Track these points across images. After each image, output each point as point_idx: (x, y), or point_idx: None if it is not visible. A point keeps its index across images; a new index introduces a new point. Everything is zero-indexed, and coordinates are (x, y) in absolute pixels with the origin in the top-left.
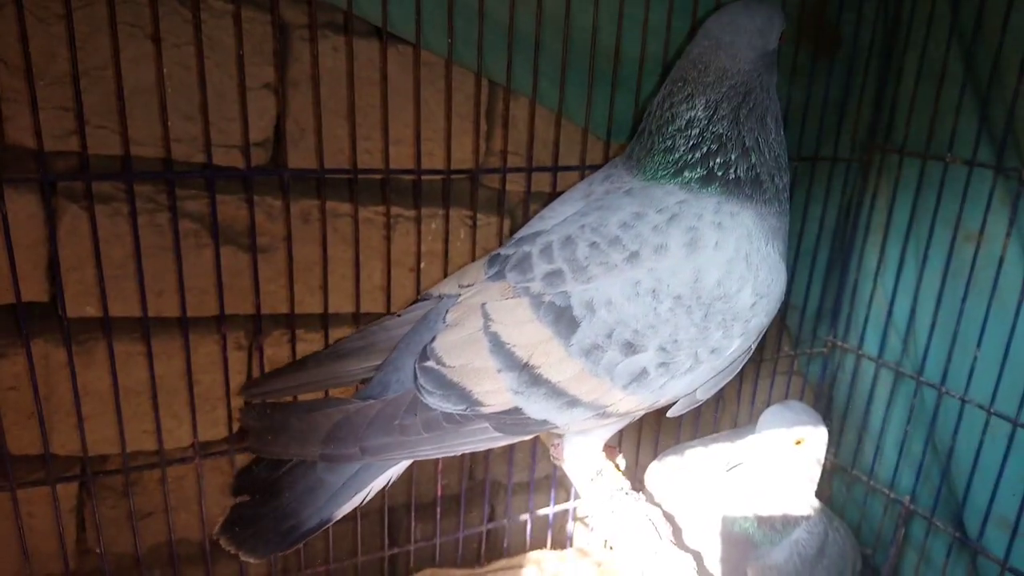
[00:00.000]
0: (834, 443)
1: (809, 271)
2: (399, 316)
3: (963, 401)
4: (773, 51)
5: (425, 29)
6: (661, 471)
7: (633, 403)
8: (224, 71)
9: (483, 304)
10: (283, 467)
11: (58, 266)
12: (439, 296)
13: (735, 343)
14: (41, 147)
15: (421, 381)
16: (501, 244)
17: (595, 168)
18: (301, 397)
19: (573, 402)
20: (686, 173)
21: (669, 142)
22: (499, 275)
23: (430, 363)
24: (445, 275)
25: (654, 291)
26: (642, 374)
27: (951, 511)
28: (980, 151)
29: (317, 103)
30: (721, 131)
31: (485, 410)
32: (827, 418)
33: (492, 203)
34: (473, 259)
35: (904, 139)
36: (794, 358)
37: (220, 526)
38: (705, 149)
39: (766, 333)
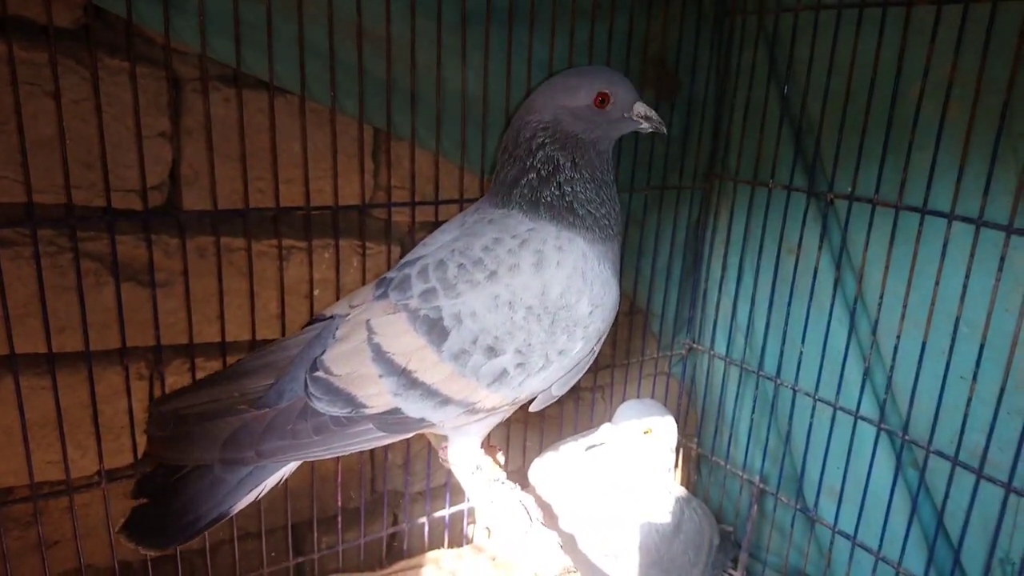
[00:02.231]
0: (696, 433)
1: (665, 283)
2: (295, 337)
3: (794, 390)
4: (586, 107)
5: (309, 82)
6: (542, 466)
7: (497, 399)
8: (121, 123)
9: (368, 320)
10: (181, 471)
11: None
12: (331, 316)
13: (578, 345)
14: None
15: (311, 389)
16: (389, 269)
17: (473, 200)
18: None
19: (445, 401)
20: (527, 205)
21: (511, 180)
22: (383, 295)
23: (319, 373)
24: (337, 300)
25: (510, 303)
26: (503, 374)
27: (793, 486)
28: (795, 177)
29: (210, 148)
30: (543, 173)
31: (369, 411)
32: (689, 411)
33: (380, 233)
34: (364, 284)
35: (736, 168)
36: (658, 360)
37: (122, 525)
38: (535, 187)
39: (637, 339)
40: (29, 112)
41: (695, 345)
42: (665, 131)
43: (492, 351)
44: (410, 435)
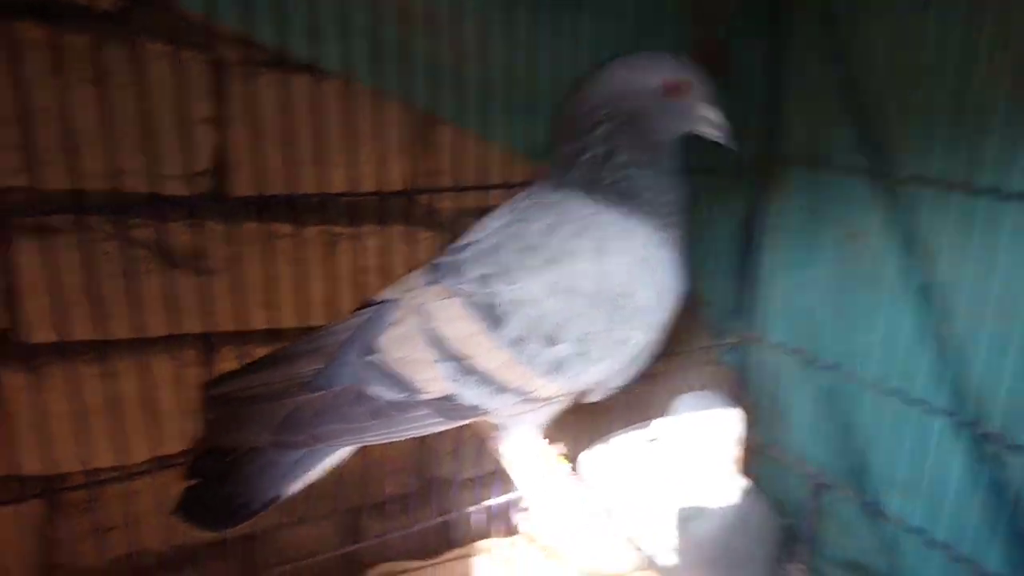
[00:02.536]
0: (753, 424)
1: (720, 271)
2: (345, 321)
3: (857, 381)
4: (652, 91)
5: (354, 63)
6: (594, 458)
7: (554, 389)
8: (166, 108)
9: (422, 304)
10: (234, 453)
11: (15, 296)
12: (382, 301)
13: (640, 335)
14: None
15: (367, 372)
16: (437, 255)
17: (522, 184)
18: None
19: (501, 388)
20: (586, 186)
21: (569, 156)
22: (436, 280)
23: (374, 356)
24: (386, 286)
25: (569, 290)
26: (560, 363)
27: (855, 480)
28: (857, 159)
29: (255, 133)
30: (603, 151)
31: (425, 397)
32: (745, 402)
33: (428, 219)
34: (411, 271)
35: (793, 150)
36: (711, 350)
37: (176, 506)
38: (595, 166)
39: (687, 328)
40: (74, 98)
41: (749, 334)
42: (733, 146)
43: (550, 339)
44: (466, 422)
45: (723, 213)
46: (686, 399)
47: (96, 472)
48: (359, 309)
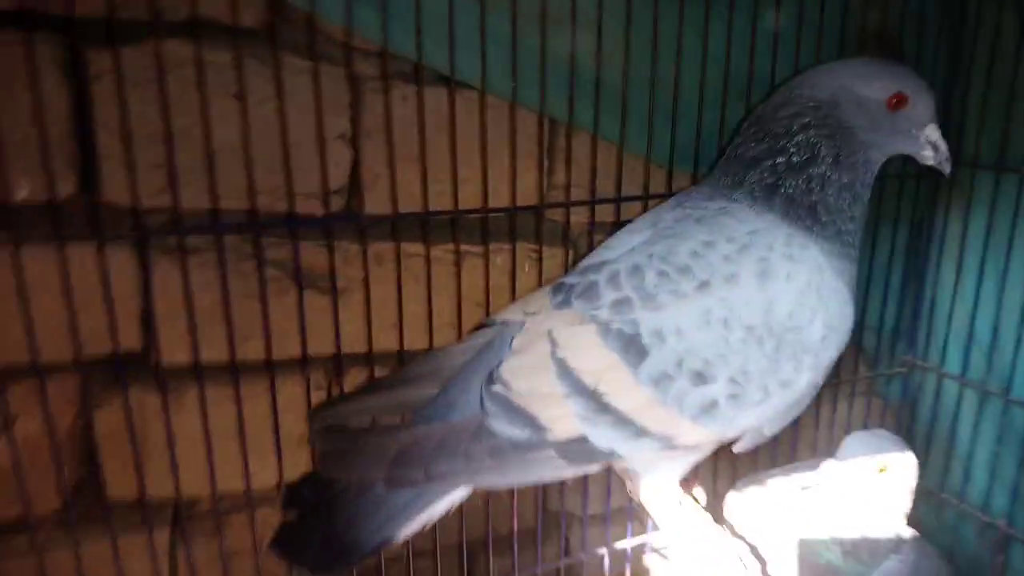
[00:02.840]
0: (920, 466)
1: (883, 290)
2: (464, 343)
3: None
4: (876, 101)
5: (489, 74)
6: (741, 501)
7: (701, 435)
8: (303, 124)
9: (550, 330)
10: (338, 486)
11: (152, 317)
12: (503, 323)
13: (805, 376)
14: (136, 205)
15: (488, 405)
16: (567, 274)
17: (658, 197)
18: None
19: (640, 432)
20: (759, 192)
21: (751, 158)
22: (565, 303)
23: (497, 387)
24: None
25: (725, 320)
26: (712, 405)
27: None
28: None
29: (390, 149)
30: (796, 159)
31: (551, 436)
32: (910, 440)
33: (556, 236)
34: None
35: (976, 152)
36: (872, 380)
37: (272, 540)
38: (779, 173)
39: (841, 357)
40: (215, 115)
41: (919, 362)
42: (949, 169)
43: (700, 377)
44: (595, 468)
45: (890, 222)
46: (856, 439)
47: (222, 497)
48: (478, 329)
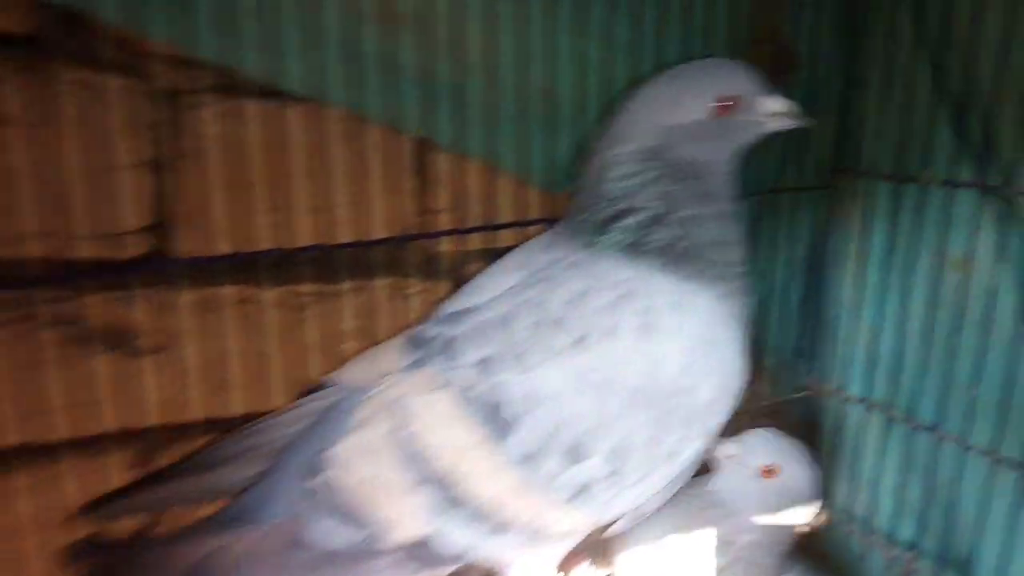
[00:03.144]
0: (824, 490)
1: (782, 308)
2: (293, 411)
3: (963, 446)
4: (703, 121)
5: (326, 82)
6: (637, 561)
7: (575, 521)
8: (93, 151)
9: (399, 398)
10: None
11: None
12: (344, 386)
13: (695, 445)
14: None
15: (306, 505)
16: (426, 322)
17: (538, 222)
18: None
19: (502, 526)
20: (627, 249)
21: (605, 218)
22: (421, 361)
23: (323, 478)
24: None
25: (605, 383)
26: (587, 486)
27: (958, 567)
28: (959, 169)
29: (206, 178)
30: (653, 213)
31: (390, 541)
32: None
33: (423, 268)
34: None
35: (873, 161)
36: (774, 403)
37: None
38: (641, 229)
39: None
40: None
41: (822, 385)
42: (806, 121)
43: (575, 453)
44: (447, 571)
45: (787, 239)
46: (748, 438)
47: None
48: (313, 391)
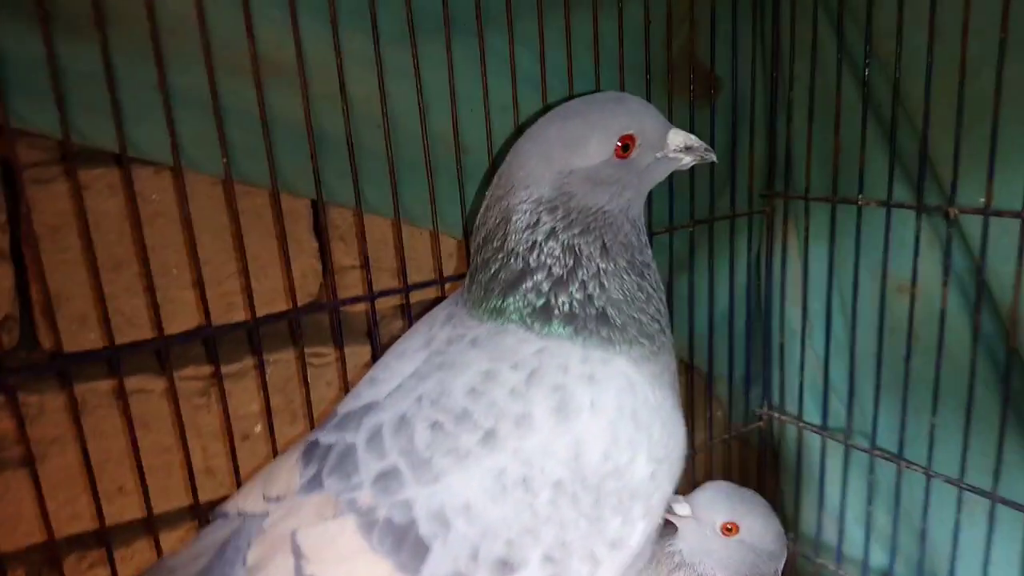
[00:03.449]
0: (790, 526)
1: (729, 337)
2: (190, 547)
3: (927, 474)
4: (604, 163)
5: (185, 145)
6: None
7: None
8: None
9: (294, 532)
10: None
11: None
12: (240, 514)
13: (639, 526)
14: None
15: None
16: (322, 426)
17: (456, 279)
18: None
19: None
20: (533, 318)
21: (505, 283)
22: (316, 481)
23: None
24: (274, 451)
25: (525, 480)
26: None
27: None
28: (896, 189)
29: (66, 261)
30: (558, 271)
31: None
32: (778, 499)
33: (341, 332)
34: (312, 413)
35: (806, 183)
36: (729, 434)
37: None
38: (546, 291)
39: (699, 406)
40: None
41: (776, 414)
42: (715, 157)
43: (505, 567)
44: None
45: (726, 268)
46: (704, 492)
47: None
48: (208, 524)
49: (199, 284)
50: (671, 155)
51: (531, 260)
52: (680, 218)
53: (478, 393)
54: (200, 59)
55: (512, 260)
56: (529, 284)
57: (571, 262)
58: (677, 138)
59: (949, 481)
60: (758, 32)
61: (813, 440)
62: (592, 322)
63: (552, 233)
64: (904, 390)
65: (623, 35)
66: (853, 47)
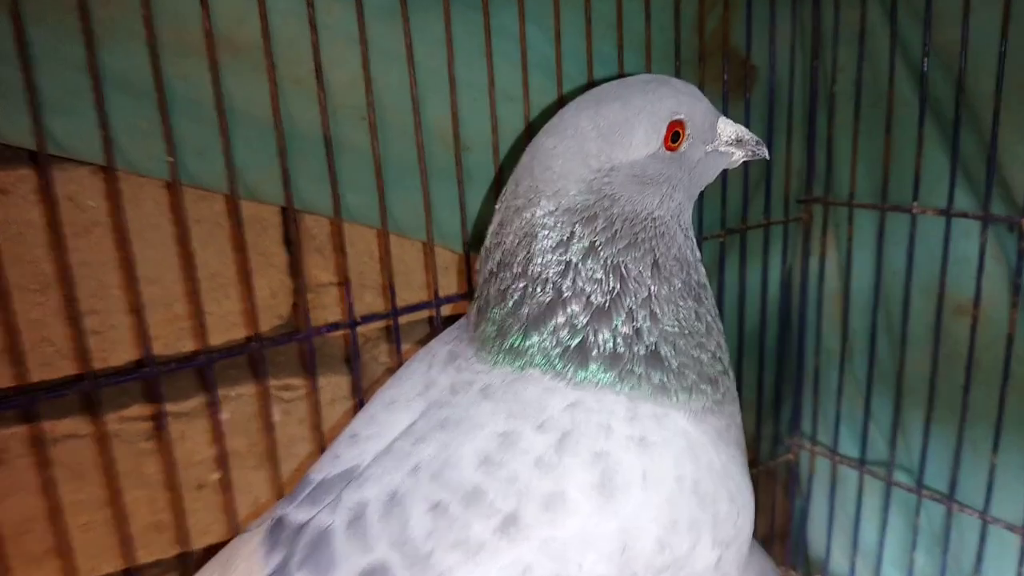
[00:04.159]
0: (818, 568)
1: (759, 357)
2: None
3: (983, 519)
4: (651, 156)
5: (121, 143)
6: None
7: None
8: None
9: None
10: None
11: None
12: None
13: None
14: None
15: None
16: (294, 494)
17: (451, 300)
18: None
19: None
20: (558, 355)
21: (528, 318)
22: (281, 572)
23: None
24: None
25: None
26: None
27: None
28: (957, 197)
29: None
30: (600, 300)
31: None
32: (804, 538)
33: (314, 360)
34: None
35: (851, 188)
36: (755, 472)
37: None
38: (582, 328)
39: None
40: None
41: (808, 445)
42: (767, 154)
43: None
44: None
45: (758, 282)
46: None
47: None
48: None
49: (137, 310)
50: (722, 149)
51: (563, 287)
52: (709, 227)
53: (493, 464)
54: (141, 34)
55: (538, 289)
56: (561, 318)
57: (617, 285)
58: (729, 129)
59: (1011, 528)
60: (798, 16)
61: (849, 475)
62: (641, 364)
63: (591, 250)
64: (960, 424)
65: (650, 19)
66: (908, 34)
